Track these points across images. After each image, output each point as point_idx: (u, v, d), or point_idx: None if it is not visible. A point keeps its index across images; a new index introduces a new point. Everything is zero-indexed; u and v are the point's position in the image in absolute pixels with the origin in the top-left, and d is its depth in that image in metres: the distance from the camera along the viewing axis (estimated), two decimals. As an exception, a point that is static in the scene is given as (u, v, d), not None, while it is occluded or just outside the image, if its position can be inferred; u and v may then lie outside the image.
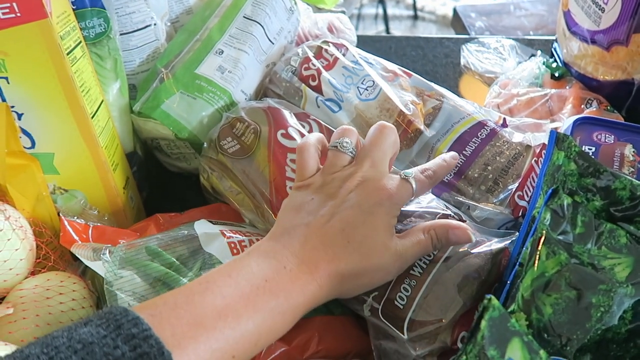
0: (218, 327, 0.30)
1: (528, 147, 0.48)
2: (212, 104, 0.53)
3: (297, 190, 0.39)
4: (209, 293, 0.31)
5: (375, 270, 0.36)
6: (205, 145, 0.51)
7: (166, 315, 0.29)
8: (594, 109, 0.57)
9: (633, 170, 0.43)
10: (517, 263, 0.36)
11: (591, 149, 0.45)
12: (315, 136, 0.42)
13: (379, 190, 0.37)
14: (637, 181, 0.36)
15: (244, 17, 0.58)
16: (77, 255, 0.39)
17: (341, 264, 0.35)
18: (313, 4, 0.66)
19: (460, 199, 0.46)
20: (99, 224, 0.44)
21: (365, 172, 0.38)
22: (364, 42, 0.76)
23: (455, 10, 1.39)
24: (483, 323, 0.30)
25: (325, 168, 0.39)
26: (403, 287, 0.37)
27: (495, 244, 0.40)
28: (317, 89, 0.54)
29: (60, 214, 0.44)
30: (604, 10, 0.56)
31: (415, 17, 2.88)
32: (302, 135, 0.49)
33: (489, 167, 0.47)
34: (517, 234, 0.40)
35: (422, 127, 0.50)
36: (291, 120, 0.51)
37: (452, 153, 0.43)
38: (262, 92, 0.59)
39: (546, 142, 0.44)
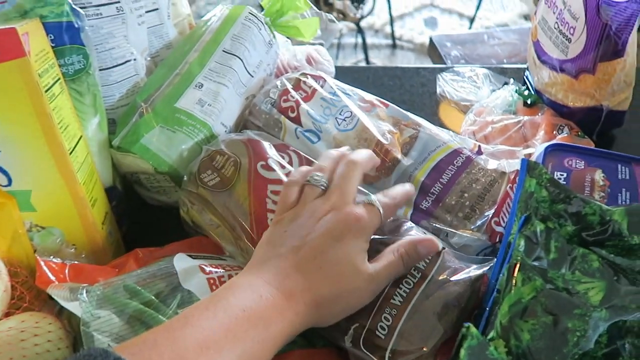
0: None
1: (503, 173, 0.49)
2: (192, 137, 0.54)
3: (274, 225, 0.41)
4: (189, 327, 0.31)
5: (348, 294, 0.37)
6: (185, 178, 0.51)
7: (147, 353, 0.29)
8: (566, 135, 0.59)
9: (604, 195, 0.44)
10: (495, 289, 0.36)
11: (563, 175, 0.46)
12: (301, 171, 0.44)
13: (346, 216, 0.38)
14: (606, 206, 0.37)
15: (224, 51, 0.59)
16: (53, 296, 0.38)
17: (315, 291, 0.36)
18: (292, 36, 0.68)
19: (439, 226, 0.47)
20: (76, 262, 0.44)
21: (333, 202, 0.40)
22: (342, 73, 0.78)
23: (431, 40, 1.43)
24: (462, 352, 0.30)
25: (300, 202, 0.41)
26: (384, 316, 0.38)
27: (473, 271, 0.40)
28: (296, 121, 0.55)
29: (36, 254, 0.43)
30: (570, 41, 0.59)
31: (393, 46, 2.95)
32: (282, 166, 0.50)
33: (466, 194, 0.48)
34: (495, 260, 0.40)
35: (399, 156, 0.51)
36: (271, 151, 0.51)
37: (408, 184, 0.45)
38: (242, 124, 0.59)
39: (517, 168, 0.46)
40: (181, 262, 0.42)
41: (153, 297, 0.38)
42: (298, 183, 0.42)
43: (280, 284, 0.35)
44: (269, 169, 0.49)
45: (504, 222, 0.45)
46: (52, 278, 0.40)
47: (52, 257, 0.43)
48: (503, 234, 0.45)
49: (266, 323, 0.33)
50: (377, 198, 0.41)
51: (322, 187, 0.41)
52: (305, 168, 0.45)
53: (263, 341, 0.33)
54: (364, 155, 0.43)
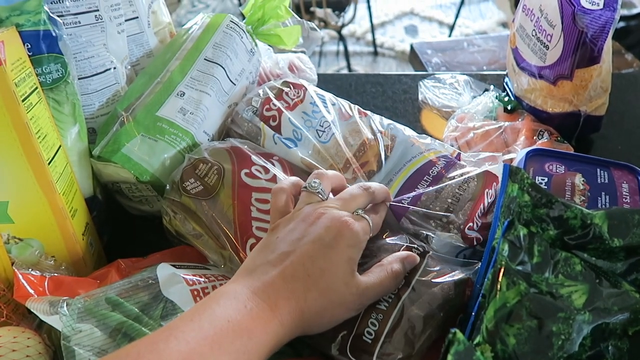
0: None
1: (479, 177, 0.49)
2: (174, 145, 0.53)
3: (270, 232, 0.40)
4: (173, 339, 0.30)
5: (335, 306, 0.36)
6: (167, 187, 0.51)
7: None
8: (546, 140, 0.60)
9: (584, 198, 0.45)
10: (481, 294, 0.36)
11: (544, 180, 0.46)
12: (291, 180, 0.43)
13: (339, 222, 0.38)
14: (586, 210, 0.37)
15: (205, 59, 0.59)
16: (32, 310, 0.37)
17: (301, 301, 0.35)
18: (274, 44, 0.68)
19: (420, 228, 0.46)
20: (55, 274, 0.43)
21: (327, 208, 0.39)
22: (325, 80, 0.78)
23: (412, 47, 1.45)
24: (449, 357, 0.30)
25: (295, 208, 0.41)
26: (370, 321, 0.37)
27: (457, 274, 0.40)
28: (277, 129, 0.55)
29: (14, 267, 0.42)
30: (548, 48, 0.60)
31: (375, 53, 2.98)
32: (267, 174, 0.50)
33: (447, 199, 0.48)
34: (479, 263, 0.40)
35: (375, 167, 0.51)
36: (255, 159, 0.51)
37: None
38: (224, 133, 0.59)
39: (492, 172, 0.46)
40: (164, 271, 0.41)
41: (135, 309, 0.37)
42: (286, 190, 0.42)
43: (265, 293, 0.35)
44: (253, 176, 0.49)
45: (477, 226, 0.46)
46: (31, 291, 0.39)
47: (30, 269, 0.42)
48: (479, 237, 0.45)
49: (250, 334, 0.33)
50: (365, 211, 0.41)
51: (320, 195, 0.41)
52: (294, 178, 0.44)
53: (248, 352, 0.32)
54: (381, 188, 0.44)
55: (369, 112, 0.57)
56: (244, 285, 0.35)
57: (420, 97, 0.74)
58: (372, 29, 2.96)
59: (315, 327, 0.37)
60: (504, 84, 0.74)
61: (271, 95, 0.57)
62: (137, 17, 0.62)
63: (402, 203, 0.47)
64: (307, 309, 0.35)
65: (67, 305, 0.37)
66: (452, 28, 2.96)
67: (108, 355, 0.30)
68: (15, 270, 0.41)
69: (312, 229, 0.38)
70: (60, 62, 0.47)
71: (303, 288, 0.35)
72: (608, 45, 0.57)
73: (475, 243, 0.45)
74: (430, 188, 0.48)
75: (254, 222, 0.46)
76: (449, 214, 0.46)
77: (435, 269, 0.41)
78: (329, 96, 0.59)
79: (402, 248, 0.42)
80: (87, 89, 0.54)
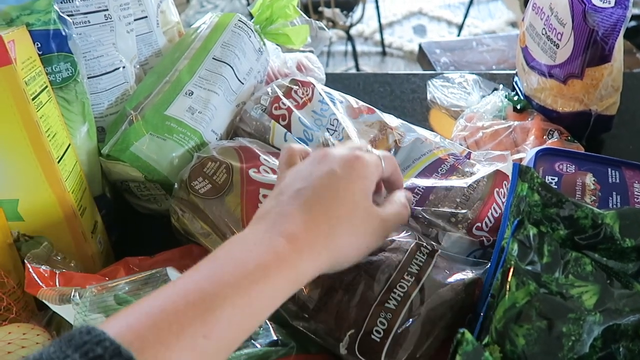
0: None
1: (489, 177, 0.49)
2: (183, 144, 0.53)
3: (275, 185, 0.39)
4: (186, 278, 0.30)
5: (360, 235, 0.36)
6: (176, 186, 0.51)
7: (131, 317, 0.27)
8: (556, 140, 0.59)
9: (595, 198, 0.44)
10: (489, 294, 0.36)
11: (554, 179, 0.46)
12: (301, 145, 0.44)
13: (349, 155, 0.38)
14: (597, 210, 0.37)
15: (214, 58, 0.59)
16: (43, 300, 0.37)
17: (324, 229, 0.34)
18: (282, 44, 0.68)
19: (429, 226, 0.46)
20: (65, 271, 0.43)
21: (335, 148, 0.39)
22: (333, 80, 0.78)
23: (420, 47, 1.44)
24: (458, 358, 0.30)
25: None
26: (379, 320, 0.37)
27: (467, 274, 0.40)
28: (286, 128, 0.55)
29: (26, 260, 0.42)
30: (558, 46, 0.59)
31: (383, 53, 2.97)
32: (275, 172, 0.50)
33: (456, 199, 0.48)
34: (489, 263, 0.40)
35: None
36: (263, 158, 0.51)
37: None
38: (232, 132, 0.59)
39: (503, 171, 0.46)
40: (174, 274, 0.41)
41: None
42: (295, 149, 0.41)
43: (280, 227, 0.33)
44: (261, 174, 0.49)
45: (487, 226, 0.45)
46: (42, 285, 0.39)
47: (41, 265, 0.43)
48: (488, 237, 0.45)
49: (265, 272, 0.30)
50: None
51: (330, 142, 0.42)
52: (304, 145, 0.44)
53: (261, 290, 0.30)
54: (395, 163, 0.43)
55: (376, 110, 0.57)
56: (253, 228, 0.34)
57: (428, 96, 0.74)
58: (380, 28, 2.95)
59: (342, 258, 0.35)
60: (514, 83, 0.73)
61: (280, 94, 0.57)
62: (146, 17, 0.62)
63: (414, 194, 0.47)
64: (331, 238, 0.34)
65: (79, 295, 0.37)
66: (460, 28, 2.95)
67: (136, 328, 0.27)
68: (27, 263, 0.41)
69: (321, 165, 0.37)
70: (69, 61, 0.48)
71: (324, 217, 0.34)
72: (619, 43, 0.56)
73: (485, 243, 0.44)
74: (440, 185, 0.47)
75: (261, 221, 0.46)
76: (457, 211, 0.45)
77: (445, 269, 0.40)
78: (336, 94, 0.59)
79: (412, 245, 0.41)
80: (97, 88, 0.55)
